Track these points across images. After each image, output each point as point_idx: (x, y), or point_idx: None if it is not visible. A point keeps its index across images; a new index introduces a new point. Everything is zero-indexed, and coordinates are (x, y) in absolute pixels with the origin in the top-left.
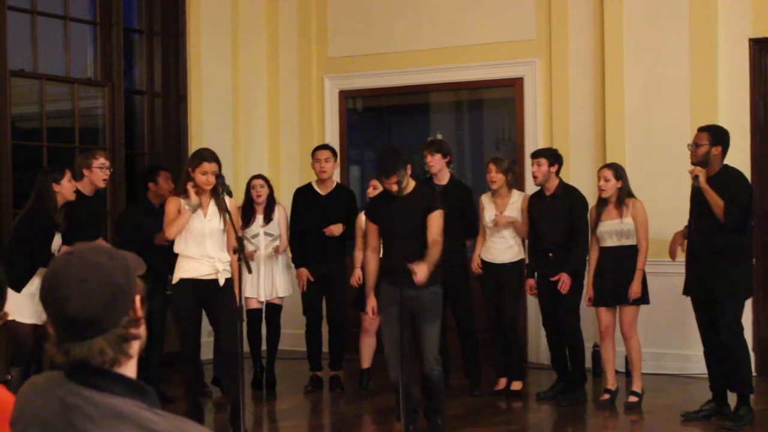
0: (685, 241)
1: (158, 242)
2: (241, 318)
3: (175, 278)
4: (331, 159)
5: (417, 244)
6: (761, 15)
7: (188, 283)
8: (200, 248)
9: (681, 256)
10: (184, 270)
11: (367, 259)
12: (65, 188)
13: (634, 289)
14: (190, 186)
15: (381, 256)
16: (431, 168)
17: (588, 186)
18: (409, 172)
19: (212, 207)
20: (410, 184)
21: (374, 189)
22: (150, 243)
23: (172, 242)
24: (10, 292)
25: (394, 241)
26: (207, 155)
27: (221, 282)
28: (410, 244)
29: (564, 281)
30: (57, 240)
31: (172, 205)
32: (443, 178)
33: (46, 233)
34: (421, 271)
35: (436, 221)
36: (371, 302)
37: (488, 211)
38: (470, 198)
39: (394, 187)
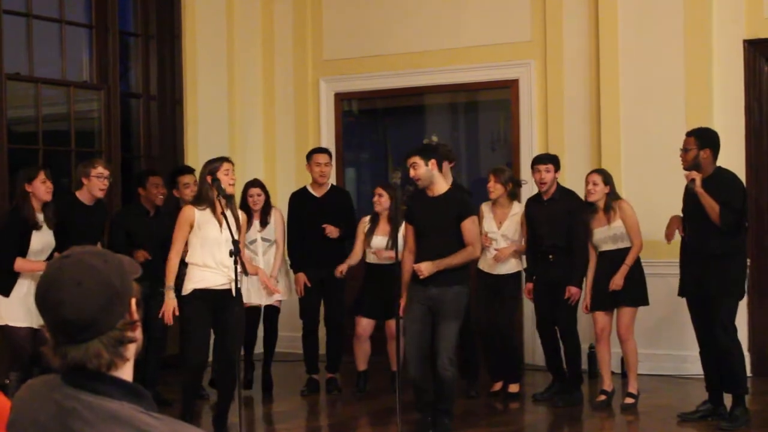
0: (681, 236)
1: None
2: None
3: (187, 288)
4: (330, 162)
5: (447, 245)
6: (755, 16)
7: (203, 294)
8: (217, 257)
9: (676, 256)
10: (198, 280)
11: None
12: (37, 188)
13: (616, 281)
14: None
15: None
16: None
17: (583, 188)
18: (433, 169)
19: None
20: (440, 184)
21: (379, 197)
22: (143, 247)
23: (163, 254)
24: (1, 298)
25: (424, 241)
26: (223, 157)
27: (234, 291)
28: (440, 244)
29: (573, 294)
30: (39, 238)
31: (185, 221)
32: None
33: (14, 232)
34: (425, 267)
35: (468, 227)
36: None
37: (487, 220)
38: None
39: (411, 172)
